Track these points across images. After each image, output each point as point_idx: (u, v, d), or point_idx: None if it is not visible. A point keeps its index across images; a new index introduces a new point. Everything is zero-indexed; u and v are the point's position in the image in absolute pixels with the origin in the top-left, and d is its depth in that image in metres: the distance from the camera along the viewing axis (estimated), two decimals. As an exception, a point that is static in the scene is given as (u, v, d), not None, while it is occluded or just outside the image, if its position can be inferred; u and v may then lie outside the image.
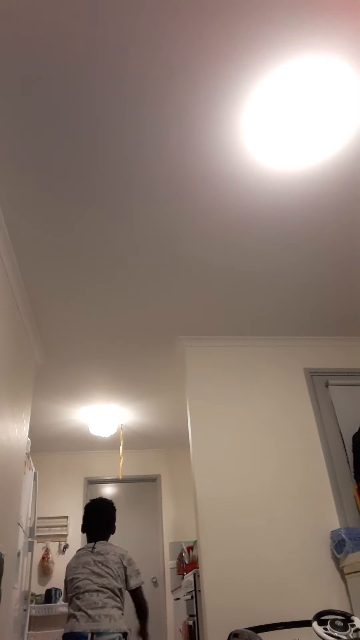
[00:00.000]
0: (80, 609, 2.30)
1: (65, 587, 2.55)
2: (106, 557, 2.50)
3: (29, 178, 2.39)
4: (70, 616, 2.33)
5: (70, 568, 2.55)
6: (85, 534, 2.73)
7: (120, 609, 2.38)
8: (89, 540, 2.68)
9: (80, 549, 2.64)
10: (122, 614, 2.38)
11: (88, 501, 2.85)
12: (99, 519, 2.73)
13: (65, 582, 2.55)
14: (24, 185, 2.42)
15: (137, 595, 2.53)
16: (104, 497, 2.88)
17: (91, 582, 2.38)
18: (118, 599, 2.40)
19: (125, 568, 2.52)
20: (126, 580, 2.51)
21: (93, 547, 2.57)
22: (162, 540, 5.79)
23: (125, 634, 2.31)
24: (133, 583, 2.52)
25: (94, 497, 2.86)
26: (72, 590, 2.43)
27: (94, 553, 2.53)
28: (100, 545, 2.59)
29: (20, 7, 1.72)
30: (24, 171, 2.35)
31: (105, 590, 2.35)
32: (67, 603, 2.53)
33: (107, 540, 2.68)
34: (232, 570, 2.92)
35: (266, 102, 2.09)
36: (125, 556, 2.57)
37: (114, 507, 2.82)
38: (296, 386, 3.71)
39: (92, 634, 2.21)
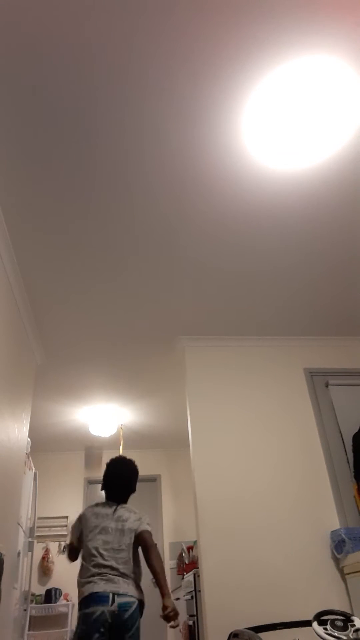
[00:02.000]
0: (96, 575, 2.28)
1: (76, 537, 2.48)
2: (125, 524, 2.44)
3: (29, 179, 2.39)
4: (85, 583, 2.28)
5: (87, 524, 2.46)
6: (104, 492, 2.64)
7: (135, 580, 2.35)
8: (108, 499, 2.59)
9: (100, 506, 2.54)
10: (138, 585, 2.35)
11: (110, 460, 2.73)
12: (121, 480, 2.63)
13: (78, 535, 2.48)
14: (24, 186, 2.42)
15: (143, 537, 2.41)
16: (125, 456, 2.77)
17: (106, 554, 2.33)
18: (131, 575, 2.35)
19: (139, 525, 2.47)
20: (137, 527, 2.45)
21: (115, 511, 2.50)
22: (162, 540, 5.78)
23: (141, 602, 2.31)
24: (141, 528, 2.43)
25: (116, 456, 2.77)
26: (86, 554, 2.38)
27: (114, 519, 2.46)
28: (121, 510, 2.51)
29: (21, 4, 1.72)
30: (24, 172, 2.35)
31: (118, 566, 2.31)
32: (70, 550, 2.53)
33: (126, 503, 2.61)
34: (232, 570, 2.92)
35: (266, 102, 2.09)
36: (142, 520, 2.49)
37: (137, 469, 2.72)
38: (296, 386, 3.70)
39: (113, 594, 2.20)
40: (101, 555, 2.34)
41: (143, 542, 2.42)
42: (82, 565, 2.39)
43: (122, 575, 2.30)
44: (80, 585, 2.31)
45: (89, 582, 2.27)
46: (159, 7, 1.75)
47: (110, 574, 2.28)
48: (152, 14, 1.77)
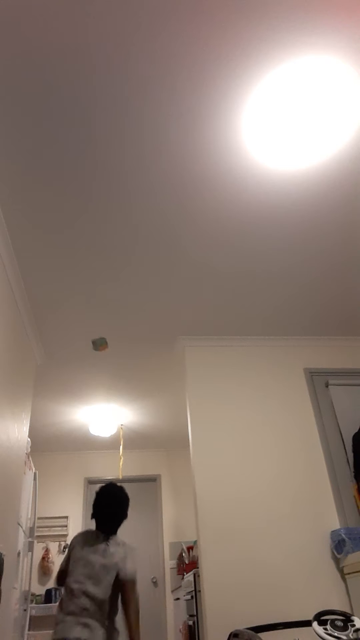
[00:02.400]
0: (71, 614, 2.22)
1: (65, 568, 2.44)
2: (110, 560, 2.36)
3: (29, 179, 2.39)
4: (60, 621, 2.22)
5: (73, 554, 2.41)
6: (93, 520, 2.54)
7: (103, 621, 2.26)
8: (98, 528, 2.50)
9: (89, 536, 2.47)
10: (106, 628, 2.24)
11: (100, 488, 2.61)
12: (112, 509, 2.52)
13: (66, 563, 2.44)
14: (24, 184, 2.42)
15: (125, 588, 2.33)
16: (115, 483, 2.65)
17: (85, 591, 2.27)
18: (104, 620, 2.26)
19: (120, 568, 2.37)
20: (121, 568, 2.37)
21: (102, 544, 2.41)
22: (162, 540, 5.79)
23: None
24: (126, 576, 2.33)
25: (105, 484, 2.64)
26: (67, 588, 2.32)
27: (100, 552, 2.38)
28: (109, 544, 2.42)
29: (23, 13, 1.72)
30: (25, 172, 2.35)
31: (94, 609, 2.24)
32: (60, 575, 2.47)
33: (116, 532, 2.51)
34: (232, 570, 2.92)
35: (266, 102, 2.09)
36: (127, 559, 2.40)
37: (127, 497, 2.61)
38: (296, 386, 3.71)
39: None
40: (81, 593, 2.26)
41: (124, 593, 2.32)
42: (62, 599, 2.32)
43: (95, 619, 2.22)
44: (56, 621, 2.25)
45: (63, 622, 2.21)
46: (160, 8, 1.75)
47: (84, 615, 2.21)
48: (152, 14, 1.77)
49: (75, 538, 2.52)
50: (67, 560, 2.49)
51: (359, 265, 3.20)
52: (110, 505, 2.53)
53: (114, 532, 2.51)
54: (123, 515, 2.55)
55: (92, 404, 4.88)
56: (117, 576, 2.34)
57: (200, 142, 2.26)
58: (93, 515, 2.55)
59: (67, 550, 2.53)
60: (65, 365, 4.12)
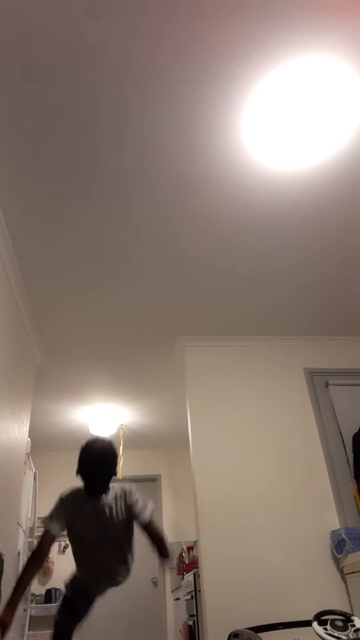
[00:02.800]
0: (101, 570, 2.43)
1: (60, 528, 2.30)
2: (112, 516, 2.35)
3: (29, 179, 2.39)
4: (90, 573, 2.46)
5: (68, 513, 2.31)
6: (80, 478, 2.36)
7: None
8: (89, 490, 2.34)
9: (83, 495, 2.33)
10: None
11: (86, 443, 2.42)
12: (103, 467, 2.34)
13: (63, 528, 2.31)
14: (24, 185, 2.42)
15: (150, 527, 2.48)
16: (103, 438, 2.50)
17: (102, 543, 2.39)
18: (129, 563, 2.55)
19: (128, 506, 2.40)
20: (135, 514, 2.42)
21: (99, 506, 2.33)
22: (162, 541, 5.77)
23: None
24: (142, 516, 2.43)
25: (92, 439, 2.46)
26: (78, 544, 2.42)
27: (98, 512, 2.32)
28: (105, 503, 2.34)
29: (23, 13, 1.72)
30: (25, 171, 2.35)
31: (118, 573, 2.48)
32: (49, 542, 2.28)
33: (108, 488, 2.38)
34: (232, 570, 2.92)
35: (266, 102, 2.09)
36: (127, 494, 2.42)
37: (117, 452, 2.43)
38: (296, 386, 3.70)
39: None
40: (95, 547, 2.40)
41: (150, 530, 2.47)
42: (82, 566, 2.46)
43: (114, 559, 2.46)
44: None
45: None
46: (159, 8, 1.75)
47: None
48: (152, 14, 1.76)
49: (66, 501, 2.38)
50: (61, 526, 2.33)
51: (359, 265, 3.20)
52: (102, 463, 2.35)
53: (105, 491, 2.37)
54: (114, 474, 2.39)
55: (92, 404, 4.88)
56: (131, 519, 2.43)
57: (200, 142, 2.26)
58: (80, 473, 2.35)
59: (55, 511, 2.36)
60: (65, 365, 4.12)
